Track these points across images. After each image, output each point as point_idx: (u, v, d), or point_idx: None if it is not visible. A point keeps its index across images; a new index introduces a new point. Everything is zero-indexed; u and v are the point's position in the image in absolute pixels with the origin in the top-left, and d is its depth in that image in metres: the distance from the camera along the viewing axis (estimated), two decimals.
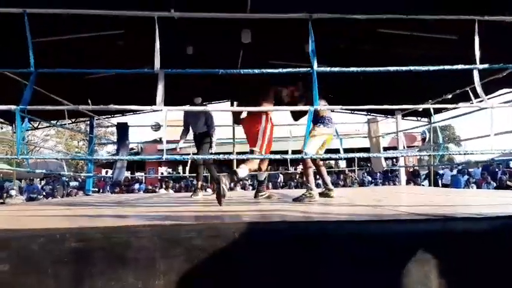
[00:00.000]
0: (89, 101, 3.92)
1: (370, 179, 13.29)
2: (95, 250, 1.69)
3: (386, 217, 2.19)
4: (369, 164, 13.62)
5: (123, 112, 8.84)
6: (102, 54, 5.42)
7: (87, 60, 5.58)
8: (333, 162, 18.30)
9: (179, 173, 16.43)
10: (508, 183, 8.94)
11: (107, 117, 9.31)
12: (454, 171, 12.07)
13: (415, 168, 12.75)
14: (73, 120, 9.42)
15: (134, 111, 8.42)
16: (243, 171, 3.23)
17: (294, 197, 3.52)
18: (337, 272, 1.74)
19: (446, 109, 7.39)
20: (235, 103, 4.91)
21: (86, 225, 1.91)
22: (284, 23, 3.18)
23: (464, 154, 5.64)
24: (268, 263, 1.72)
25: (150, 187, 11.60)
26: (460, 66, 2.98)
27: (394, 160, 11.56)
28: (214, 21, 3.92)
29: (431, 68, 2.94)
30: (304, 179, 3.71)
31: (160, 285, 1.65)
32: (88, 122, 8.33)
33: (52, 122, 8.75)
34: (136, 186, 12.28)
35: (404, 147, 7.84)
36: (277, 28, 4.77)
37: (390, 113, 8.20)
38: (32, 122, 8.54)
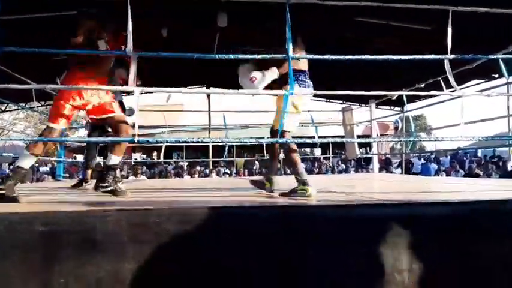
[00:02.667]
0: (57, 80, 3.77)
1: (344, 166, 13.50)
2: (63, 234, 1.65)
3: (357, 202, 2.23)
4: (343, 152, 13.83)
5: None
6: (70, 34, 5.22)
7: (56, 41, 5.38)
8: (308, 149, 18.49)
9: (153, 159, 16.23)
10: (477, 171, 9.28)
11: None
12: (424, 160, 12.41)
13: (387, 156, 13.03)
14: (43, 103, 9.10)
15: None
16: None
17: (282, 192, 2.77)
18: (312, 257, 1.76)
19: (419, 98, 7.57)
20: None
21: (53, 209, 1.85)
22: (261, 7, 3.12)
23: (435, 140, 5.79)
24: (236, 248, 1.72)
25: (122, 173, 11.41)
26: (431, 56, 3.03)
27: (367, 148, 11.77)
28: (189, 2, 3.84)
29: (404, 57, 2.97)
30: (289, 167, 3.13)
31: (129, 270, 1.63)
32: None
33: (21, 104, 8.45)
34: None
35: (377, 136, 7.98)
36: (254, 12, 4.72)
37: (364, 101, 8.31)
38: None
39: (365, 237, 1.80)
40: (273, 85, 2.95)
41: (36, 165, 14.19)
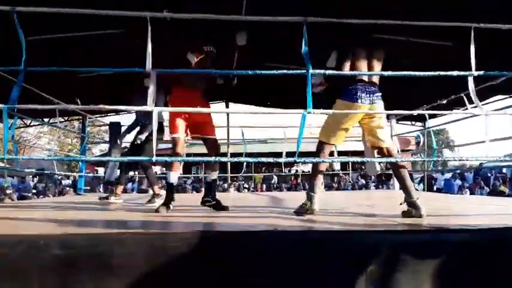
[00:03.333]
0: (78, 101, 3.85)
1: (363, 182, 13.28)
2: (79, 258, 1.65)
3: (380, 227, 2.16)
4: (363, 167, 13.63)
5: (116, 111, 8.77)
6: (97, 53, 5.36)
7: (80, 59, 5.53)
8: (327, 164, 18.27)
9: None
10: (502, 188, 8.99)
11: (100, 116, 9.23)
12: (447, 175, 12.09)
13: (409, 172, 12.76)
14: (65, 118, 9.33)
15: (124, 111, 8.37)
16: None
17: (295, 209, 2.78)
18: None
19: (441, 114, 7.42)
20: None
21: (71, 231, 1.85)
22: (280, 25, 3.13)
23: (460, 160, 5.64)
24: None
25: (143, 187, 11.51)
26: (455, 73, 2.96)
27: (388, 164, 11.56)
28: (209, 22, 3.88)
29: (426, 73, 2.92)
30: (307, 183, 3.29)
31: None
32: (81, 120, 8.25)
33: (45, 119, 8.67)
34: (129, 185, 12.18)
35: (398, 151, 7.83)
36: (273, 30, 4.74)
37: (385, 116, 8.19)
38: (24, 120, 8.46)
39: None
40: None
41: (59, 178, 14.49)
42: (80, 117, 8.09)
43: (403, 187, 2.72)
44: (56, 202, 4.63)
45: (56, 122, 7.13)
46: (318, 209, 2.71)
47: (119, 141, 6.98)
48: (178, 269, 1.64)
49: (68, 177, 15.26)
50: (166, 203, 2.93)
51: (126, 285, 1.59)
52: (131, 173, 17.14)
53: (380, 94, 2.86)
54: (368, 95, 2.76)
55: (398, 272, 1.74)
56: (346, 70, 2.80)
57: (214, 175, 3.19)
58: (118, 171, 4.77)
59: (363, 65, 2.85)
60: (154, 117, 2.38)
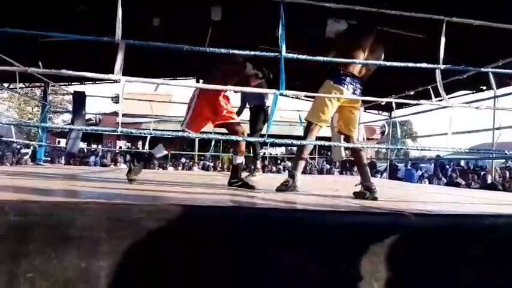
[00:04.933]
0: (40, 64, 3.66)
1: (328, 167, 13.55)
2: (35, 226, 1.59)
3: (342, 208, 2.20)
4: (329, 153, 13.89)
5: (81, 80, 8.44)
6: (62, 17, 5.10)
7: (45, 23, 5.25)
8: (294, 148, 18.50)
9: (138, 148, 16.05)
10: (458, 180, 9.41)
11: (64, 85, 8.86)
12: (408, 166, 12.54)
13: (372, 160, 13.12)
14: (27, 84, 8.90)
15: (90, 79, 8.09)
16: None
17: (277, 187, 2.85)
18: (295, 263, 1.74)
19: (407, 105, 7.62)
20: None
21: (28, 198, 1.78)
22: (256, 3, 3.08)
23: (422, 150, 5.84)
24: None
25: (105, 161, 11.26)
26: (423, 65, 3.02)
27: (350, 150, 11.80)
28: None
29: (396, 64, 2.96)
30: (291, 162, 3.40)
31: (104, 266, 1.58)
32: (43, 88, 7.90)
33: (4, 84, 8.24)
34: (91, 159, 11.87)
35: (364, 139, 8.02)
36: (248, 8, 4.66)
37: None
38: None
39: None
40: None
41: (18, 147, 13.90)
42: (42, 84, 7.74)
43: (361, 171, 2.92)
44: (13, 171, 4.44)
45: (16, 88, 6.78)
46: (299, 186, 2.80)
47: (83, 112, 6.76)
48: (138, 242, 1.61)
49: (27, 146, 14.66)
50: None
51: (83, 256, 1.56)
52: (94, 146, 16.73)
53: (362, 88, 2.97)
54: (353, 85, 2.88)
55: (357, 253, 1.78)
56: (332, 54, 2.90)
57: (239, 159, 3.27)
58: (79, 144, 4.59)
59: (360, 55, 2.91)
60: (121, 87, 2.29)
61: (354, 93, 2.89)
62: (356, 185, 2.82)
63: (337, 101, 2.86)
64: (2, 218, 1.54)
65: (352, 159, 9.21)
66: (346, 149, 4.17)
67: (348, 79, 2.85)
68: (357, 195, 2.77)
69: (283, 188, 2.80)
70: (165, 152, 3.22)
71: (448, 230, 1.93)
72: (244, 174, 3.86)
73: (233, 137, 2.99)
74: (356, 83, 2.91)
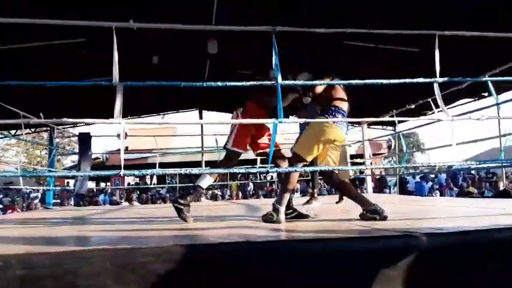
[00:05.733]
0: (41, 115, 3.73)
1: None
2: (42, 278, 1.57)
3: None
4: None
5: (85, 122, 8.56)
6: (62, 62, 5.23)
7: (46, 69, 5.38)
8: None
9: (146, 184, 16.05)
10: (470, 189, 9.26)
11: (69, 127, 8.99)
12: (417, 178, 12.38)
13: (382, 175, 13.00)
14: (33, 130, 9.04)
15: (90, 124, 8.19)
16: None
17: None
18: None
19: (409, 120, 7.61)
20: None
21: (34, 249, 1.77)
22: (249, 34, 3.13)
23: (428, 166, 5.80)
24: None
25: (114, 198, 11.25)
26: (420, 80, 3.03)
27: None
28: (179, 32, 3.85)
29: (393, 81, 2.97)
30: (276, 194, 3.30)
31: None
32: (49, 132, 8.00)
33: (10, 132, 8.37)
34: (101, 197, 11.88)
35: (370, 156, 7.98)
36: (243, 39, 4.75)
37: (356, 122, 8.35)
38: None
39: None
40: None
41: (28, 191, 13.99)
42: (48, 128, 7.86)
43: (357, 200, 2.81)
44: (22, 218, 4.45)
45: (22, 134, 6.88)
46: (283, 219, 2.71)
47: (89, 153, 6.83)
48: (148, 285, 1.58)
49: (40, 190, 14.76)
50: None
51: None
52: (103, 184, 16.77)
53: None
54: (346, 124, 2.90)
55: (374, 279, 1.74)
56: (319, 89, 2.89)
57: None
58: (87, 184, 4.61)
59: (341, 93, 2.93)
60: (122, 130, 2.31)
61: (345, 133, 2.91)
62: (361, 215, 2.71)
63: (329, 137, 2.81)
64: (9, 273, 1.52)
65: (361, 176, 9.16)
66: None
67: (340, 116, 2.83)
68: (366, 219, 2.65)
69: (269, 220, 2.71)
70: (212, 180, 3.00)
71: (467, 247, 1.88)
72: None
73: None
74: (347, 121, 2.94)
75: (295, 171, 2.83)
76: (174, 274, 1.63)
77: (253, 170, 2.96)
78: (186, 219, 2.72)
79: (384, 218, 2.57)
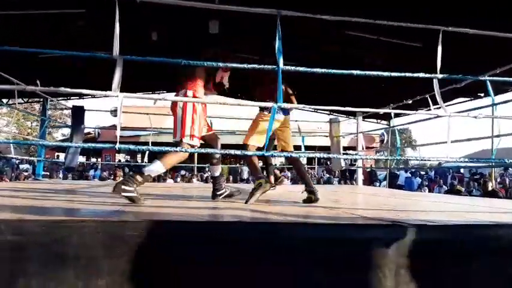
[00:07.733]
0: (38, 82, 3.67)
1: (327, 176, 13.52)
2: (33, 245, 1.57)
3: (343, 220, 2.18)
4: (328, 162, 13.86)
5: (80, 95, 8.46)
6: (60, 33, 5.15)
7: (43, 38, 5.29)
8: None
9: (137, 162, 16.01)
10: (459, 187, 9.38)
11: (62, 99, 8.88)
12: (408, 173, 12.51)
13: (372, 168, 13.10)
14: (25, 100, 8.92)
15: (88, 96, 8.11)
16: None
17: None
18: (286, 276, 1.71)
19: (407, 113, 7.64)
20: None
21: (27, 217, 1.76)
22: (253, 16, 3.09)
23: (421, 160, 5.84)
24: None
25: (105, 174, 11.21)
26: (421, 75, 3.03)
27: (353, 160, 11.83)
28: (180, 9, 3.79)
29: (393, 74, 2.97)
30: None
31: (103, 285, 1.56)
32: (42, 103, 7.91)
33: (3, 100, 8.25)
34: (91, 172, 11.83)
35: (363, 148, 8.01)
36: (246, 21, 4.69)
37: (351, 113, 8.36)
38: None
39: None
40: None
41: (17, 162, 13.87)
42: (41, 99, 7.76)
43: (303, 178, 3.25)
44: (11, 187, 4.42)
45: (15, 104, 6.78)
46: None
47: (81, 126, 6.76)
48: (135, 259, 1.59)
49: (29, 162, 14.66)
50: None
51: (81, 275, 1.53)
52: (93, 160, 16.69)
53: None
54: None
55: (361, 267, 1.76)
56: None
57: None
58: (78, 158, 4.57)
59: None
60: (119, 103, 2.29)
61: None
62: (302, 192, 3.12)
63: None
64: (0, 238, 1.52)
65: (351, 168, 9.22)
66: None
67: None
68: (305, 201, 3.07)
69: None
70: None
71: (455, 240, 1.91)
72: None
73: (231, 151, 2.92)
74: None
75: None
76: (159, 248, 1.64)
77: (250, 153, 2.92)
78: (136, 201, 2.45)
79: (317, 200, 3.04)
